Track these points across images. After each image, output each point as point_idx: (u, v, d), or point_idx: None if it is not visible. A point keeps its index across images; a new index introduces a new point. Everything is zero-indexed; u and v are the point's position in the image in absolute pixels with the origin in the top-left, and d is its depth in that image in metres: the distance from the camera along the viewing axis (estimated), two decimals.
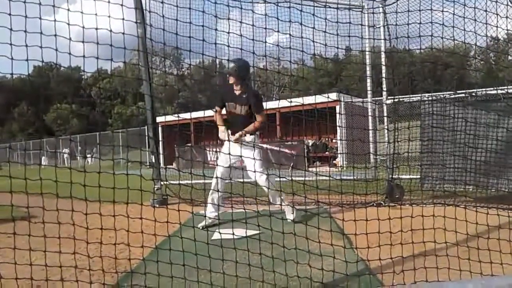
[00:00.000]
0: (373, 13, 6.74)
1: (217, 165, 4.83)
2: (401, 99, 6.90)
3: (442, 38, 2.99)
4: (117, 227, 2.47)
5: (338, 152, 17.53)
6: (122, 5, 2.48)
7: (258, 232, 2.80)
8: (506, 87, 5.55)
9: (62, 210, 2.32)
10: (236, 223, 2.93)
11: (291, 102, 4.87)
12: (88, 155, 28.27)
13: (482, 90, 5.92)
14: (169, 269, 2.42)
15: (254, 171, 4.41)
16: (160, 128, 18.24)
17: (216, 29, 2.80)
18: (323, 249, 2.73)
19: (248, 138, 4.91)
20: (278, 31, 2.78)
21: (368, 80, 7.36)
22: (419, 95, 6.69)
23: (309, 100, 5.30)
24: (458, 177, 5.15)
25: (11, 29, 2.13)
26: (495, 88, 5.64)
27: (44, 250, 2.40)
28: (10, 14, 2.15)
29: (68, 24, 2.25)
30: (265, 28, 2.77)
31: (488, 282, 2.10)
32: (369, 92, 7.31)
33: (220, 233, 2.77)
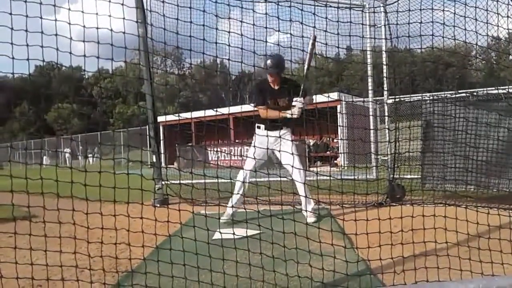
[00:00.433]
0: (374, 12, 6.74)
1: (246, 157, 4.93)
2: (402, 99, 6.90)
3: (443, 37, 2.98)
4: (118, 226, 2.47)
5: (339, 151, 17.54)
6: (123, 4, 2.48)
7: (258, 232, 2.80)
8: (507, 87, 5.54)
9: (63, 209, 2.32)
10: (236, 223, 2.92)
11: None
12: (89, 155, 28.31)
13: (483, 90, 5.91)
14: (170, 269, 2.42)
15: (292, 166, 4.38)
16: (161, 128, 18.24)
17: (216, 29, 2.80)
18: (324, 249, 2.73)
19: (282, 131, 4.96)
20: (279, 31, 2.78)
21: (369, 80, 7.35)
22: (420, 94, 6.69)
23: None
24: (459, 177, 5.14)
25: (12, 29, 2.13)
26: (496, 87, 5.63)
27: (45, 249, 2.40)
28: (11, 14, 2.16)
29: (69, 23, 2.25)
30: (266, 28, 2.77)
31: (489, 282, 2.09)
32: (370, 91, 7.31)
33: (221, 233, 2.77)
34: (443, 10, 3.06)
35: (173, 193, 6.26)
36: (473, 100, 5.80)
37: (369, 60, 7.08)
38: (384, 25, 6.47)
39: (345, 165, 13.33)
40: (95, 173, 2.39)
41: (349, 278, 2.63)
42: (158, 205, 6.16)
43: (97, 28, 2.33)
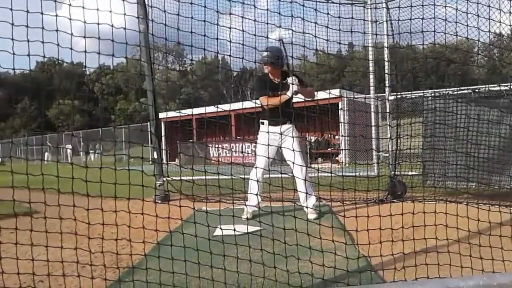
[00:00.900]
0: (375, 8, 6.71)
1: (255, 155, 4.93)
2: (403, 96, 6.88)
3: (445, 33, 2.97)
4: (119, 223, 2.47)
5: (341, 148, 17.52)
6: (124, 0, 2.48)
7: (259, 228, 2.80)
8: (509, 84, 5.52)
9: (64, 205, 2.32)
10: (237, 219, 2.92)
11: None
12: (90, 151, 28.31)
13: (485, 87, 5.90)
14: (171, 265, 2.43)
15: (293, 163, 4.36)
16: (162, 124, 18.25)
17: (218, 24, 2.79)
18: (325, 246, 2.73)
19: (285, 127, 4.95)
20: (280, 27, 2.77)
21: (371, 76, 7.33)
22: (422, 91, 6.67)
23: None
24: (460, 173, 5.13)
25: (12, 24, 2.12)
26: (498, 84, 5.62)
27: (46, 245, 2.40)
28: (11, 9, 2.15)
29: (70, 19, 2.24)
30: (267, 24, 2.76)
31: (489, 279, 2.09)
32: (372, 88, 7.29)
33: (222, 229, 2.77)
34: (445, 6, 3.05)
35: (174, 189, 6.27)
36: (475, 97, 5.78)
37: (371, 57, 7.07)
38: (386, 21, 6.44)
39: (347, 162, 13.31)
40: (96, 169, 2.39)
41: (350, 275, 2.64)
42: (159, 201, 6.16)
43: (98, 23, 2.32)
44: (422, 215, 2.74)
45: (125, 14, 2.49)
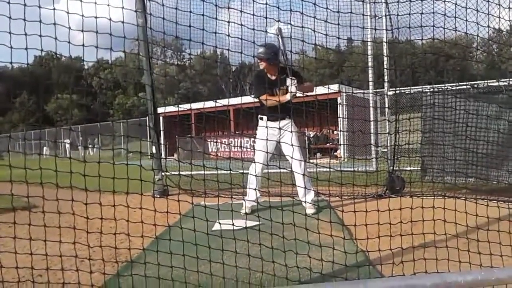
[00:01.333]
0: (374, 2, 6.69)
1: (254, 149, 4.93)
2: (402, 91, 6.88)
3: (444, 28, 2.96)
4: (118, 217, 2.47)
5: (339, 143, 17.53)
6: None
7: (258, 223, 2.80)
8: (508, 79, 5.52)
9: (63, 200, 2.32)
10: (236, 214, 2.92)
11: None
12: (89, 146, 28.29)
13: (484, 82, 5.89)
14: (169, 259, 2.43)
15: (292, 158, 4.35)
16: (161, 119, 18.21)
17: (216, 18, 2.77)
18: (323, 240, 2.73)
19: (284, 122, 4.93)
20: (279, 21, 2.76)
21: (370, 71, 7.32)
22: (421, 86, 6.67)
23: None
24: (459, 169, 5.14)
25: (10, 18, 2.11)
26: (497, 79, 5.62)
27: (45, 239, 2.41)
28: (9, 2, 2.14)
29: (68, 12, 2.23)
30: (266, 18, 2.75)
31: (487, 274, 2.10)
32: (370, 83, 7.28)
33: (220, 224, 2.77)
34: (444, 1, 3.04)
35: (172, 184, 6.27)
36: (473, 92, 5.78)
37: (369, 52, 7.06)
38: (385, 16, 6.43)
39: (345, 157, 13.32)
40: (95, 163, 2.39)
41: (348, 269, 2.64)
42: (158, 196, 6.16)
43: (96, 17, 2.31)
44: (420, 210, 2.74)
45: (123, 7, 2.47)
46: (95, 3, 2.30)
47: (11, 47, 2.12)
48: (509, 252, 2.68)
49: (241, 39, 2.74)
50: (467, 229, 2.91)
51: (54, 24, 2.21)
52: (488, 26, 3.14)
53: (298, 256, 2.55)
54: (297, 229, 2.66)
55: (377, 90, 7.34)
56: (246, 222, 2.79)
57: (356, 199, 5.03)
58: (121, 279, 2.61)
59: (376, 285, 2.09)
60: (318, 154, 17.93)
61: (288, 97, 4.85)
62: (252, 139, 4.96)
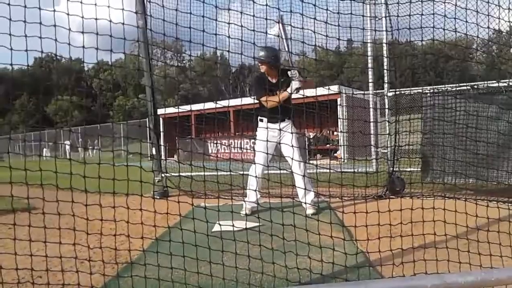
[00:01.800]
0: (374, 4, 6.69)
1: (255, 151, 4.92)
2: (402, 92, 6.87)
3: (444, 30, 2.96)
4: (118, 218, 2.47)
5: (339, 144, 17.53)
6: None
7: (258, 224, 2.80)
8: (507, 80, 5.52)
9: (63, 201, 2.32)
10: (236, 215, 2.93)
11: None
12: (89, 147, 28.26)
13: (483, 83, 5.89)
14: (169, 260, 2.43)
15: (292, 159, 4.35)
16: (161, 121, 18.21)
17: (216, 20, 2.78)
18: (323, 241, 2.73)
19: (284, 124, 4.91)
20: (279, 22, 2.76)
21: (370, 72, 7.32)
22: (421, 87, 6.66)
23: (310, 92, 5.27)
24: (459, 169, 5.14)
25: (10, 19, 2.11)
26: (497, 80, 5.61)
27: (45, 241, 2.41)
28: (9, 4, 2.14)
29: (68, 14, 2.23)
30: (266, 19, 2.75)
31: (487, 275, 2.09)
32: (370, 84, 7.28)
33: (220, 225, 2.77)
34: (444, 2, 3.04)
35: (172, 185, 6.27)
36: (473, 93, 5.77)
37: (369, 53, 7.05)
38: (385, 17, 6.43)
39: (345, 158, 13.31)
40: (95, 165, 2.39)
41: (348, 270, 2.64)
42: (158, 197, 6.16)
43: (96, 19, 2.31)
44: (420, 211, 2.74)
45: (123, 9, 2.48)
46: (95, 4, 2.30)
47: (11, 49, 2.12)
48: (509, 253, 2.68)
49: (241, 40, 2.74)
50: (467, 230, 2.91)
51: (55, 25, 2.21)
52: (488, 27, 3.14)
53: (298, 257, 2.55)
54: (297, 230, 2.66)
55: (377, 91, 7.34)
56: (246, 223, 2.79)
57: (356, 200, 5.04)
58: (121, 281, 2.61)
59: (376, 286, 2.09)
60: (318, 155, 17.93)
61: (289, 91, 4.80)
62: (252, 140, 4.96)
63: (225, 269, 2.50)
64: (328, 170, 2.94)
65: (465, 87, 5.99)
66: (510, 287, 2.18)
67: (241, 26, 2.70)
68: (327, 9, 2.90)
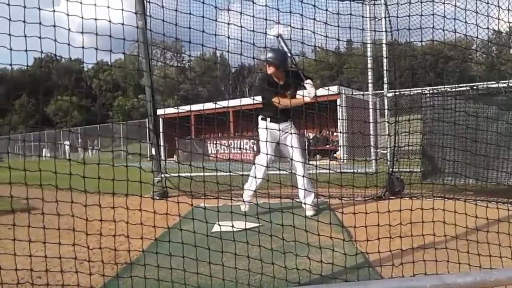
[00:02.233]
0: (374, 4, 6.69)
1: (257, 151, 4.91)
2: (402, 92, 6.87)
3: (443, 30, 2.97)
4: (117, 219, 2.47)
5: (339, 145, 17.53)
6: None
7: (257, 225, 2.80)
8: (507, 81, 5.52)
9: (62, 202, 2.32)
10: (235, 216, 2.92)
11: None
12: (89, 147, 28.24)
13: (483, 84, 5.89)
14: (169, 261, 2.43)
15: (292, 159, 4.33)
16: (161, 121, 18.22)
17: (216, 20, 2.78)
18: (323, 242, 2.73)
19: (284, 124, 4.92)
20: (278, 23, 2.76)
21: (369, 73, 7.32)
22: (421, 88, 6.66)
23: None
24: (458, 170, 5.14)
25: (10, 19, 2.11)
26: (496, 81, 5.61)
27: (44, 241, 2.40)
28: (8, 4, 2.14)
29: (67, 14, 2.23)
30: (266, 20, 2.75)
31: (487, 275, 2.10)
32: (370, 85, 7.28)
33: (220, 226, 2.77)
34: (444, 3, 3.04)
35: (172, 186, 6.27)
36: (473, 94, 5.77)
37: (369, 53, 7.05)
38: (385, 18, 6.43)
39: (345, 159, 13.32)
40: (94, 165, 2.38)
41: (348, 271, 2.64)
42: (157, 198, 6.16)
43: (96, 19, 2.31)
44: (420, 212, 2.74)
45: (123, 10, 2.48)
46: (95, 5, 2.30)
47: (11, 49, 2.12)
48: (508, 254, 2.68)
49: (241, 41, 2.74)
50: (466, 231, 2.91)
51: (54, 26, 2.21)
52: (488, 28, 3.15)
53: (297, 258, 2.55)
54: (297, 231, 2.66)
55: (377, 91, 7.34)
56: (245, 224, 2.79)
57: (356, 201, 5.04)
58: (121, 281, 2.61)
59: (375, 286, 2.09)
60: (318, 156, 17.93)
61: (306, 99, 4.78)
62: (252, 140, 4.95)
63: (225, 270, 2.50)
64: (327, 171, 2.94)
65: (464, 88, 5.99)
66: None
67: (241, 26, 2.71)
68: (326, 10, 2.90)
